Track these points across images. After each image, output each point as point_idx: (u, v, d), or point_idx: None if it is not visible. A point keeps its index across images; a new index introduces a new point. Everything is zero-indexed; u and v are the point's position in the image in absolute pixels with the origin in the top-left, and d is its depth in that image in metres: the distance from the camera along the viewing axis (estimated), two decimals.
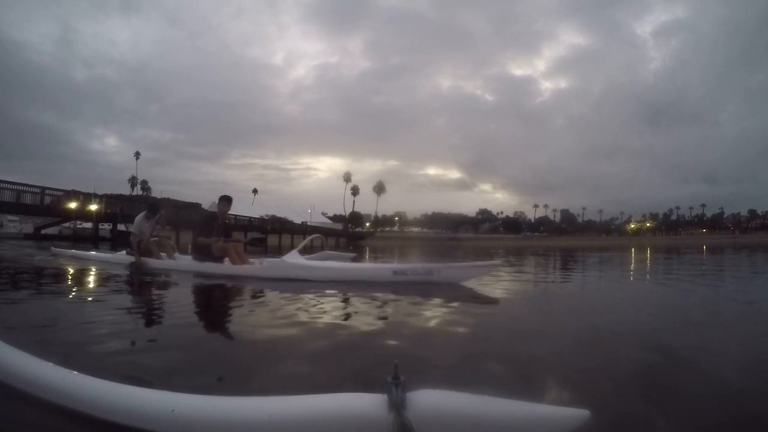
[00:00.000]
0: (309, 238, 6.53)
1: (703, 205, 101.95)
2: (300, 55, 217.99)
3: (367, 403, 0.86)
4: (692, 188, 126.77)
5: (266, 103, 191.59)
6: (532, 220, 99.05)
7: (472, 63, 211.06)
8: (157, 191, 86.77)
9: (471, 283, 4.11)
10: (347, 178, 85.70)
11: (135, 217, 6.36)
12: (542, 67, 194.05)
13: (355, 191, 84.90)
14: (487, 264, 4.57)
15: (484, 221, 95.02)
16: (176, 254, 6.07)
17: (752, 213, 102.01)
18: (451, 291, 3.72)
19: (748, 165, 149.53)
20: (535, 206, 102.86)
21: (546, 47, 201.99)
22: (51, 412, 1.06)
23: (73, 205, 25.49)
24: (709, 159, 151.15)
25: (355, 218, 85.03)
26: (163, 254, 5.98)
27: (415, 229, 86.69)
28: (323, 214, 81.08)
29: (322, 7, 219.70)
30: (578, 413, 0.84)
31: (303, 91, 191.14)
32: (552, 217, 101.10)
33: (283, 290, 3.79)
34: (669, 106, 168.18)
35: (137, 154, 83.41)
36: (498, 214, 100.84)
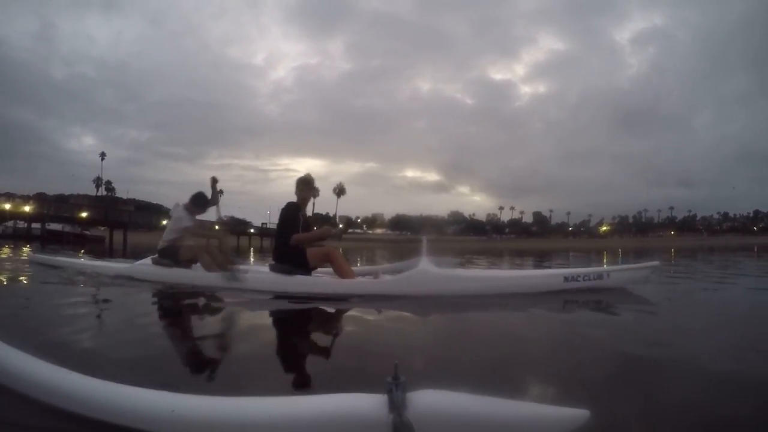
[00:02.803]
0: (424, 239, 4.45)
1: (671, 208, 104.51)
2: (281, 56, 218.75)
3: (368, 403, 0.86)
4: (668, 191, 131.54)
5: (246, 103, 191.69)
6: (504, 222, 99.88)
7: (453, 66, 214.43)
8: (123, 191, 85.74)
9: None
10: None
11: (172, 213, 4.41)
12: (521, 72, 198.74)
13: (315, 193, 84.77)
14: (649, 265, 3.91)
15: (452, 223, 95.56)
16: (241, 266, 3.98)
17: (725, 216, 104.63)
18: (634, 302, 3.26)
19: (722, 169, 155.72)
20: (501, 208, 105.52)
21: (525, 52, 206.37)
22: (50, 413, 1.04)
23: (7, 206, 27.45)
24: (684, 163, 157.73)
25: (320, 220, 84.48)
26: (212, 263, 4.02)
27: (380, 231, 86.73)
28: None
29: (303, 8, 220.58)
30: (578, 413, 0.84)
31: (283, 92, 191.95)
32: (524, 220, 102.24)
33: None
34: (645, 112, 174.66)
35: (102, 155, 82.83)
36: (470, 216, 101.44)
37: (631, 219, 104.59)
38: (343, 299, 3.29)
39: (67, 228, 30.31)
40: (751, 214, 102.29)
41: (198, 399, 0.98)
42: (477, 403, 0.86)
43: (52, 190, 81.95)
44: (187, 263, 4.11)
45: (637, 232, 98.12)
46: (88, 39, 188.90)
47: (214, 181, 4.49)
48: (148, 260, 4.32)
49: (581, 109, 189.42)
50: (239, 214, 61.84)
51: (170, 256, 4.12)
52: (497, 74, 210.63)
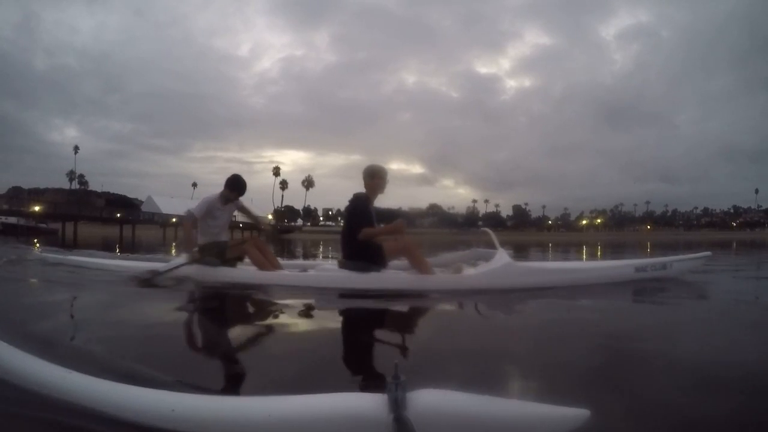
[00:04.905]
0: (480, 230, 4.48)
1: (648, 202, 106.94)
2: (266, 48, 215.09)
3: (368, 403, 0.86)
4: (650, 186, 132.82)
5: (230, 95, 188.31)
6: (480, 215, 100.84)
7: (438, 60, 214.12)
8: (97, 184, 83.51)
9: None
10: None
11: (200, 202, 3.85)
12: (507, 66, 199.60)
13: (283, 185, 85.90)
14: (701, 255, 4.12)
15: (427, 216, 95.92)
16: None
17: (705, 211, 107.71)
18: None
19: (704, 165, 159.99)
20: (483, 201, 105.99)
21: (511, 46, 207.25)
22: (50, 412, 1.03)
23: None
24: (666, 159, 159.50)
25: (289, 213, 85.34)
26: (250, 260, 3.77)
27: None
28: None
29: None
30: (578, 413, 0.84)
31: (268, 84, 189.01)
32: (502, 213, 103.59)
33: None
34: (628, 108, 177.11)
35: (76, 148, 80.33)
36: (449, 209, 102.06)
37: (609, 213, 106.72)
38: (422, 295, 3.17)
39: (22, 221, 32.08)
40: (732, 210, 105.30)
41: (198, 398, 0.98)
42: (477, 402, 0.86)
43: (32, 183, 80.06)
44: (232, 261, 3.75)
45: (614, 226, 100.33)
46: (71, 29, 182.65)
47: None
48: (185, 259, 3.92)
49: (565, 103, 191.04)
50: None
51: (214, 253, 3.70)
52: (483, 68, 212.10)
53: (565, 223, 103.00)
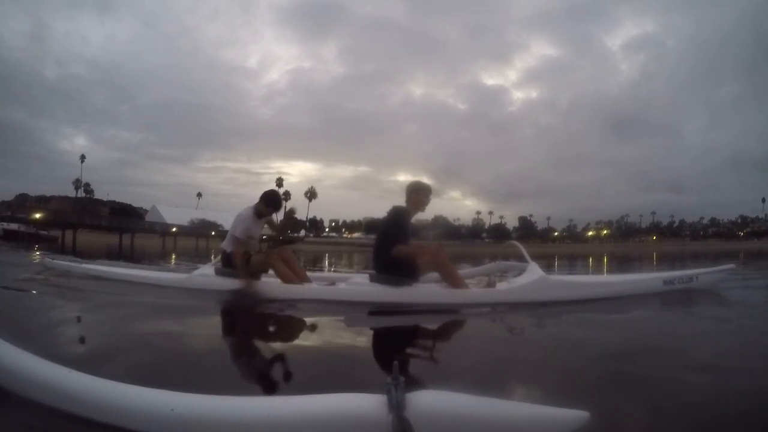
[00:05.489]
0: (508, 243, 4.46)
1: (653, 213, 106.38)
2: (274, 59, 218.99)
3: (367, 403, 0.86)
4: (657, 197, 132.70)
5: (239, 106, 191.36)
6: (484, 226, 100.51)
7: (445, 72, 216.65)
8: (105, 193, 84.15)
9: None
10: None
11: (238, 215, 3.74)
12: (514, 77, 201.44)
13: (286, 197, 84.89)
14: (726, 268, 4.22)
15: (432, 228, 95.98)
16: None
17: (713, 221, 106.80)
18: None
19: (712, 175, 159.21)
20: (478, 212, 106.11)
21: (518, 58, 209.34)
22: (50, 412, 1.03)
23: None
24: (674, 169, 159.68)
25: (293, 223, 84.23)
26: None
27: (356, 235, 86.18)
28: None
29: (297, 12, 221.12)
30: (578, 414, 0.84)
31: (276, 95, 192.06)
32: (507, 225, 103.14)
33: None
34: (635, 118, 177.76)
35: (82, 157, 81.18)
36: (455, 220, 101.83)
37: (614, 224, 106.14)
38: (457, 310, 3.10)
39: (23, 228, 33.72)
40: (739, 220, 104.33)
41: (198, 398, 0.97)
42: (476, 403, 0.86)
43: (40, 191, 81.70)
44: (256, 274, 3.60)
45: (619, 237, 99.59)
46: (82, 39, 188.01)
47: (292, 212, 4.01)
48: (208, 269, 3.85)
49: (572, 114, 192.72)
50: (219, 218, 61.93)
51: (233, 265, 3.55)
52: (490, 80, 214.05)
53: (571, 235, 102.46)
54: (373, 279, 3.33)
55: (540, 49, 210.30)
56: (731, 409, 1.26)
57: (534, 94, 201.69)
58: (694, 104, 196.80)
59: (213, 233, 52.27)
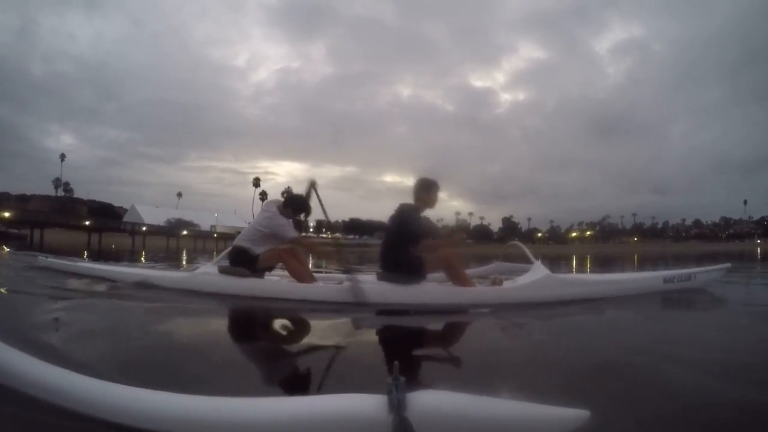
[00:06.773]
0: (508, 244, 4.47)
1: (634, 214, 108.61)
2: (262, 59, 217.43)
3: (367, 403, 0.86)
4: (642, 198, 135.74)
5: (226, 105, 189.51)
6: (469, 228, 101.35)
7: (433, 73, 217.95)
8: (87, 192, 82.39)
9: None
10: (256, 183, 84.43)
11: (274, 218, 3.55)
12: (501, 80, 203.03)
13: (263, 196, 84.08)
14: (722, 267, 4.32)
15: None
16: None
17: (696, 223, 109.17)
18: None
19: (696, 177, 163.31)
20: (457, 213, 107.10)
21: (506, 60, 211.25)
22: (50, 413, 1.02)
23: None
24: (658, 171, 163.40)
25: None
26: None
27: (336, 235, 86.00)
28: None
29: (285, 11, 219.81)
30: (578, 414, 0.84)
31: (264, 95, 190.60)
32: (490, 226, 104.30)
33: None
34: (620, 121, 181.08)
35: (62, 156, 79.30)
36: (438, 221, 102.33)
37: (597, 226, 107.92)
38: (463, 308, 3.09)
39: None
40: (722, 222, 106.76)
41: (197, 399, 0.97)
42: (477, 403, 0.86)
43: (24, 189, 79.89)
44: (261, 272, 3.51)
45: (600, 238, 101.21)
46: (69, 37, 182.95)
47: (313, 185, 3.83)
48: (211, 267, 3.71)
49: (559, 117, 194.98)
50: (196, 218, 61.64)
51: (245, 262, 3.44)
52: (477, 81, 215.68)
53: (553, 236, 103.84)
54: (380, 278, 3.30)
55: (528, 52, 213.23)
56: (737, 407, 1.27)
57: (521, 96, 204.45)
58: (678, 108, 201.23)
59: (185, 232, 53.45)
